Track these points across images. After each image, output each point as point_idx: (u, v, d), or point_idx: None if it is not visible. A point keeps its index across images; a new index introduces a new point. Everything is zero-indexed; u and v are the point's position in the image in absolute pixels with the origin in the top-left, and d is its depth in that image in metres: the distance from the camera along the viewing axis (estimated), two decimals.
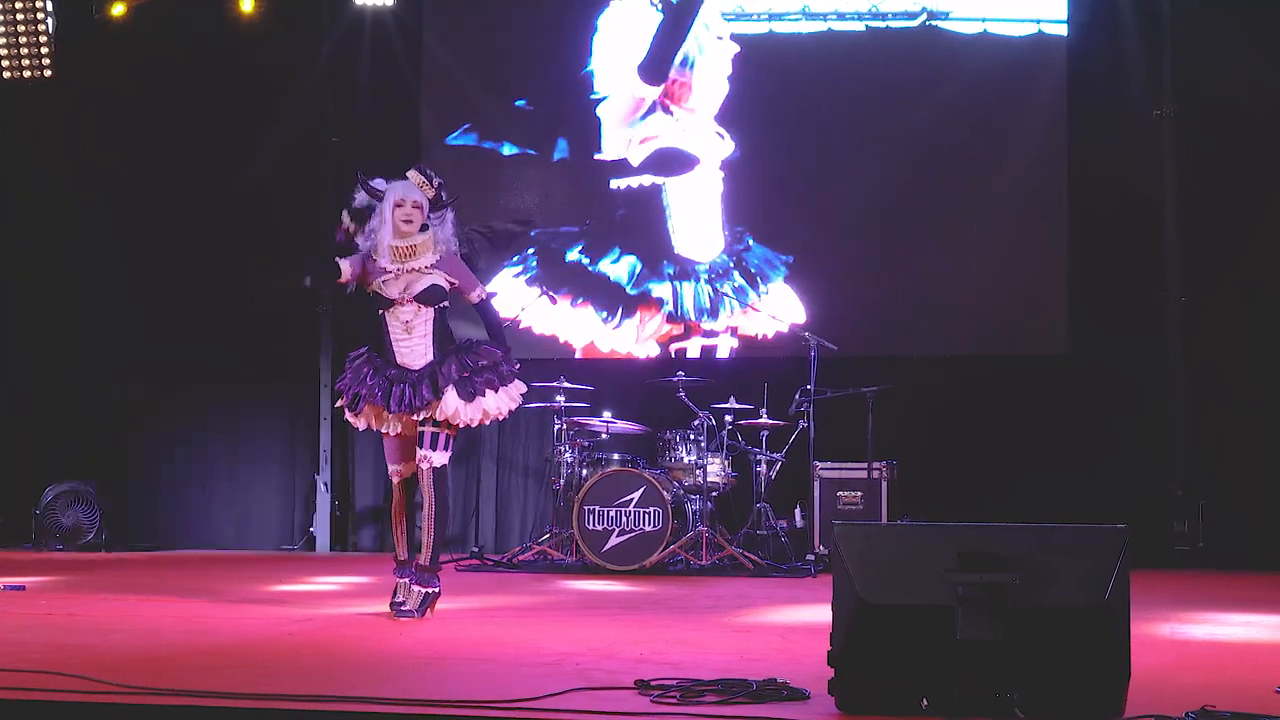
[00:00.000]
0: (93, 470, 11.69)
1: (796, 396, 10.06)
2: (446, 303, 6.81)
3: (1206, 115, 10.61)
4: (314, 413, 11.86)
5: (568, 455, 10.16)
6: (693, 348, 11.20)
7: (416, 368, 6.70)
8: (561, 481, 10.16)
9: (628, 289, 11.27)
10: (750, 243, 11.15)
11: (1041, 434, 10.78)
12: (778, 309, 11.02)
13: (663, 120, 11.23)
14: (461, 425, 6.73)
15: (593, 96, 11.38)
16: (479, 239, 7.19)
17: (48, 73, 11.06)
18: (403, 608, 6.72)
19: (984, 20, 11.06)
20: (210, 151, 11.68)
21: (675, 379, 10.06)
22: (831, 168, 11.23)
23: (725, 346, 11.21)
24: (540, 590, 8.44)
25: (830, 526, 4.37)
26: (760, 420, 10.12)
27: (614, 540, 9.66)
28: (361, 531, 11.84)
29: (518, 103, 11.42)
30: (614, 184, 11.34)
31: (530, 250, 11.39)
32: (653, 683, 4.57)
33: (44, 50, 10.98)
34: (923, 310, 11.07)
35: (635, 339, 11.20)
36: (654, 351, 11.21)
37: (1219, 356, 10.56)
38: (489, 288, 7.22)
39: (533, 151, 11.45)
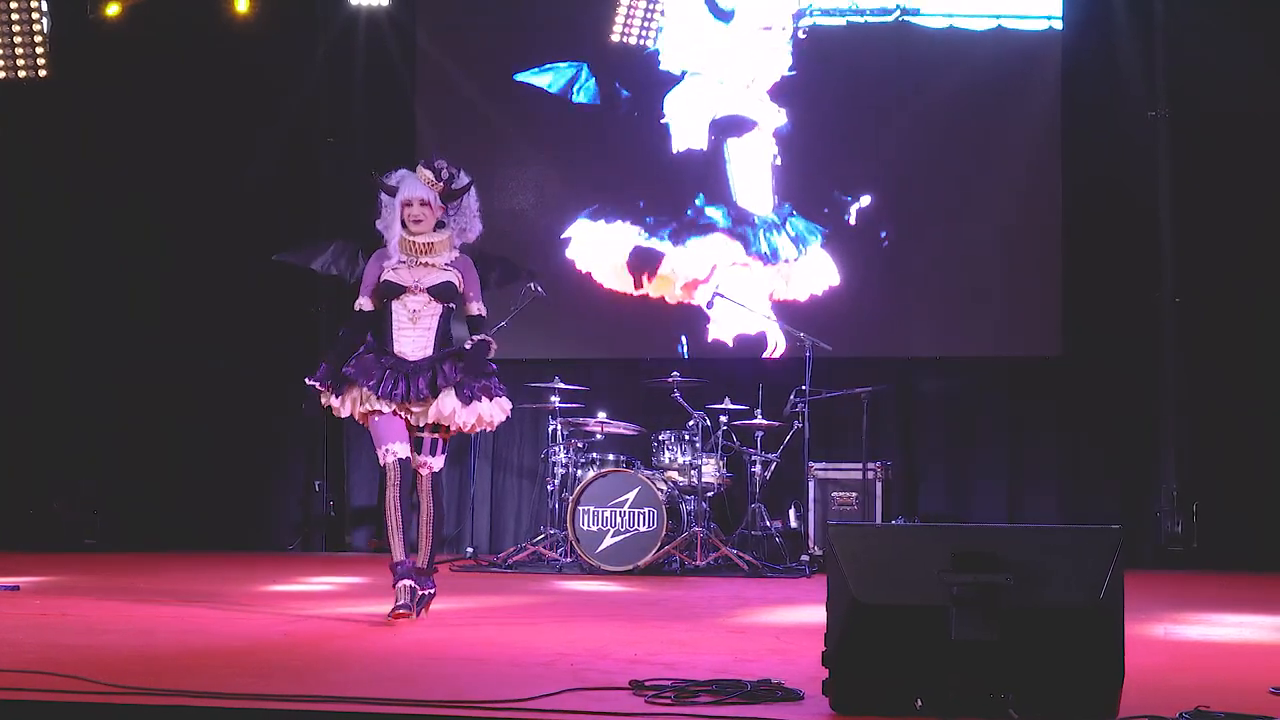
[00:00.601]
0: (89, 470, 11.68)
1: (791, 397, 10.07)
2: (454, 304, 6.74)
3: (1201, 116, 10.60)
4: (309, 412, 11.84)
5: (562, 455, 10.16)
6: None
7: (413, 359, 6.62)
8: (556, 482, 10.16)
9: (688, 214, 11.28)
10: (790, 209, 11.17)
11: (1035, 435, 10.79)
12: (810, 273, 11.05)
13: (717, 90, 11.30)
14: (455, 429, 6.67)
15: (661, 67, 11.42)
16: (495, 261, 7.09)
17: (43, 73, 11.05)
18: (397, 606, 6.65)
19: (950, 15, 11.09)
20: (207, 151, 11.66)
21: (670, 379, 10.06)
22: (834, 165, 11.22)
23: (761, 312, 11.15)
24: (535, 591, 8.44)
25: (825, 527, 4.38)
26: (755, 421, 10.12)
27: (609, 541, 9.67)
28: (356, 532, 11.83)
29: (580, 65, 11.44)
30: (675, 147, 11.35)
31: (595, 206, 11.41)
32: (647, 683, 4.57)
33: (39, 50, 10.96)
34: (916, 311, 11.05)
35: (701, 261, 11.19)
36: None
37: (1212, 358, 10.55)
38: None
39: (598, 102, 11.52)
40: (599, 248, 11.37)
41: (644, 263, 11.32)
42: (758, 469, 10.16)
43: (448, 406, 6.56)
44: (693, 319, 11.20)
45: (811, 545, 10.02)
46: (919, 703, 4.14)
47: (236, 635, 6.18)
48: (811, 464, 10.17)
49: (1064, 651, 4.10)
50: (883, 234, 11.15)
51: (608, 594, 8.45)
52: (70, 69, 11.33)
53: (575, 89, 11.53)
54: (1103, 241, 10.83)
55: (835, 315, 10.97)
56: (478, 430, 6.80)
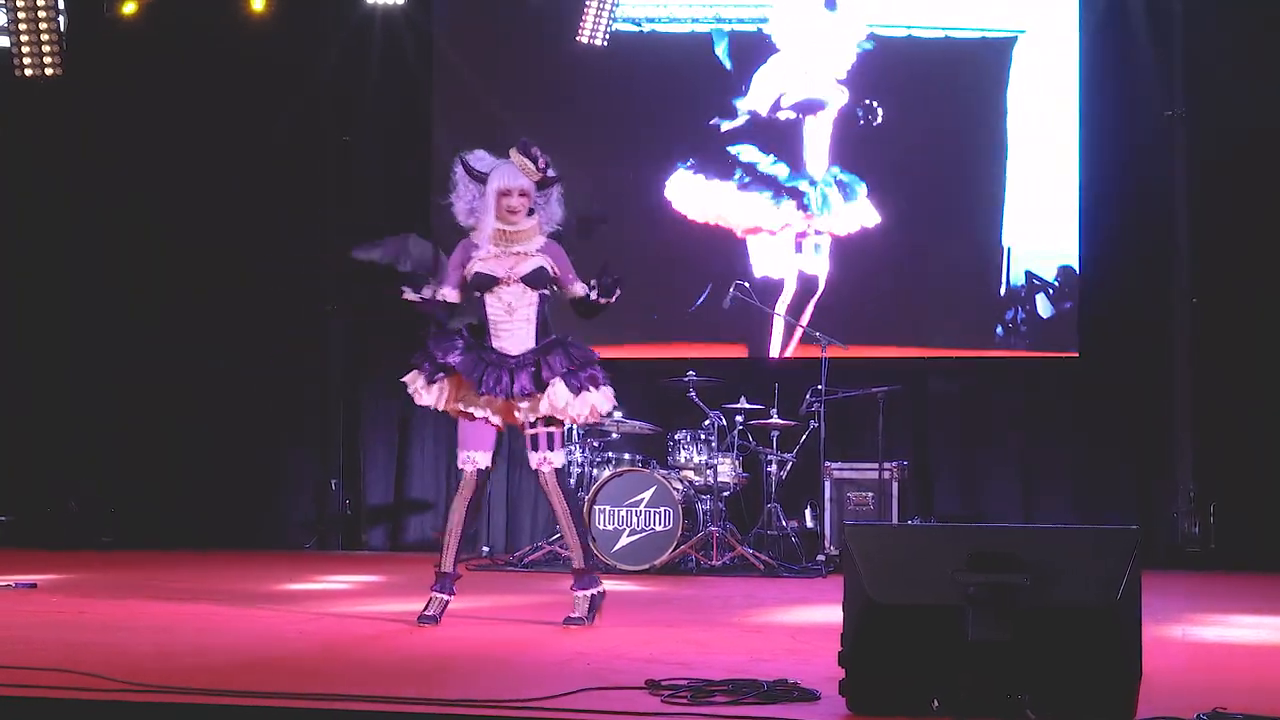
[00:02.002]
0: (103, 469, 11.71)
1: (807, 396, 10.06)
2: (548, 290, 6.51)
3: (1217, 117, 10.58)
4: (324, 410, 11.87)
5: (578, 454, 10.16)
6: (807, 244, 11.29)
7: (515, 354, 6.41)
8: (572, 481, 10.15)
9: (783, 181, 11.40)
10: (840, 167, 11.32)
11: (1051, 435, 10.77)
12: (859, 217, 11.23)
13: (801, 71, 11.50)
14: (568, 421, 6.46)
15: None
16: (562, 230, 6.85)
17: (58, 71, 11.06)
18: (571, 615, 6.48)
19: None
20: (218, 150, 11.67)
21: (686, 379, 10.06)
22: (853, 164, 11.28)
23: (824, 243, 11.27)
24: (550, 590, 8.43)
25: (841, 527, 4.38)
26: (771, 420, 10.12)
27: (625, 540, 9.67)
28: (372, 531, 11.84)
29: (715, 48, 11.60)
30: (758, 112, 11.48)
31: (690, 160, 11.50)
32: (663, 682, 4.57)
33: (55, 49, 10.97)
34: (933, 310, 11.07)
35: (781, 222, 11.39)
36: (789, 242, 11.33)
37: (1229, 358, 10.53)
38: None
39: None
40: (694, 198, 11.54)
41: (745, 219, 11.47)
42: (773, 468, 10.15)
43: (560, 398, 6.33)
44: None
45: (827, 545, 10.01)
46: (935, 703, 4.13)
47: (253, 634, 6.19)
48: (827, 464, 10.15)
49: (1081, 652, 4.09)
50: (893, 233, 11.18)
51: (623, 593, 8.45)
52: (86, 67, 11.33)
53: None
54: (1119, 241, 10.82)
55: (870, 256, 11.14)
56: (590, 421, 6.59)
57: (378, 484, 11.85)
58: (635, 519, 9.62)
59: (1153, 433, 10.70)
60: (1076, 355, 10.84)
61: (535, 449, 6.45)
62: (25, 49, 10.83)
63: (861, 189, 11.25)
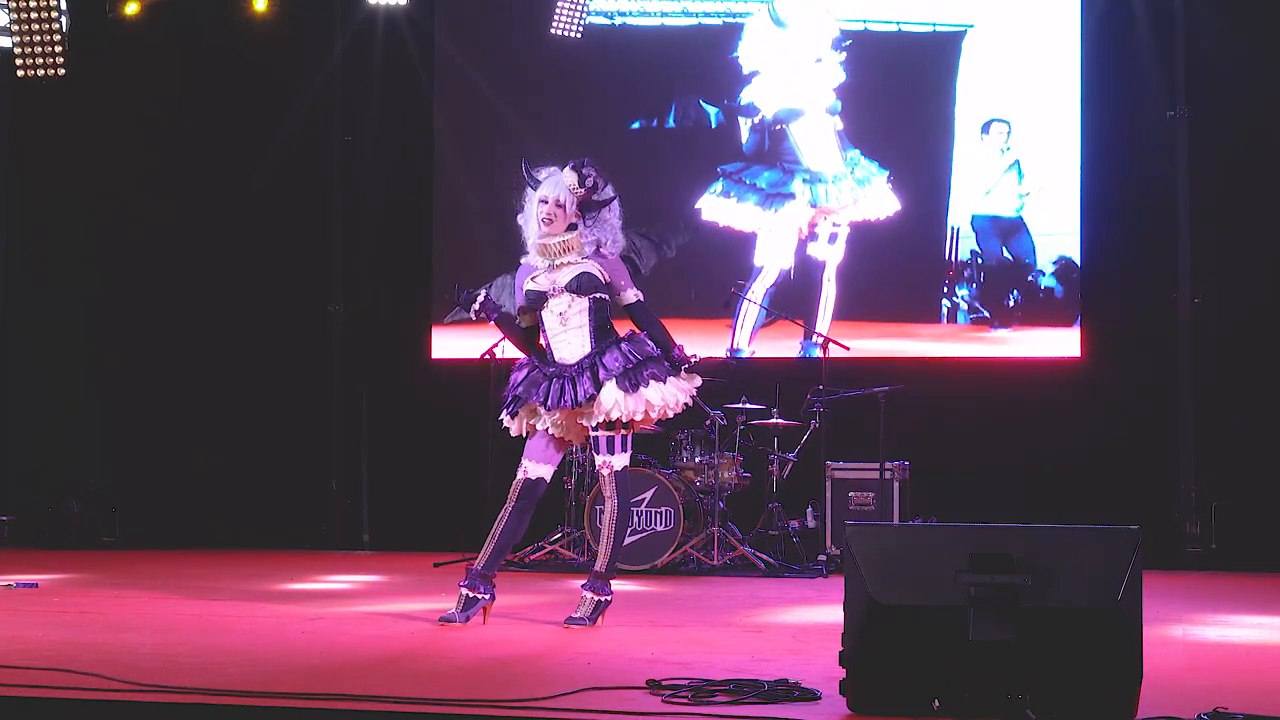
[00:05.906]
0: (105, 469, 11.70)
1: (809, 396, 10.06)
2: (604, 295, 6.52)
3: (1218, 117, 10.59)
4: (325, 410, 11.86)
5: (580, 454, 10.15)
6: (823, 231, 11.34)
7: (574, 361, 6.45)
8: (573, 481, 10.16)
9: (766, 190, 11.45)
10: (857, 157, 11.35)
11: (1053, 435, 10.76)
12: (879, 202, 11.30)
13: (779, 86, 11.59)
14: (626, 420, 6.44)
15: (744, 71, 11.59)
16: (640, 240, 6.85)
17: (61, 71, 11.05)
18: (574, 615, 6.52)
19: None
20: (221, 150, 11.68)
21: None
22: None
23: (841, 235, 11.31)
24: (552, 590, 8.44)
25: (842, 527, 4.38)
26: (773, 420, 10.11)
27: (626, 540, 9.63)
28: (372, 531, 11.82)
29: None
30: (745, 136, 11.58)
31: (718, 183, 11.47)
32: (664, 682, 4.58)
33: (58, 49, 10.96)
34: (935, 309, 11.11)
35: (788, 221, 11.41)
36: (793, 238, 11.38)
37: (1231, 358, 10.54)
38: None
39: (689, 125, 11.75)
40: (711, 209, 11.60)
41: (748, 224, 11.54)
42: (775, 468, 10.14)
43: (609, 400, 6.36)
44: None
45: (828, 545, 10.00)
46: (936, 703, 4.13)
47: (253, 633, 6.19)
48: (829, 464, 10.15)
49: (1082, 652, 4.09)
50: (899, 231, 11.23)
51: (625, 593, 8.43)
52: (88, 68, 11.33)
53: (670, 118, 11.70)
54: (1121, 241, 10.83)
55: (892, 239, 11.19)
56: (654, 416, 6.51)
57: (378, 484, 11.84)
58: (636, 519, 9.60)
59: (1154, 433, 10.70)
60: (1078, 355, 10.86)
61: (598, 452, 6.55)
62: (28, 49, 10.81)
63: (879, 178, 11.26)
